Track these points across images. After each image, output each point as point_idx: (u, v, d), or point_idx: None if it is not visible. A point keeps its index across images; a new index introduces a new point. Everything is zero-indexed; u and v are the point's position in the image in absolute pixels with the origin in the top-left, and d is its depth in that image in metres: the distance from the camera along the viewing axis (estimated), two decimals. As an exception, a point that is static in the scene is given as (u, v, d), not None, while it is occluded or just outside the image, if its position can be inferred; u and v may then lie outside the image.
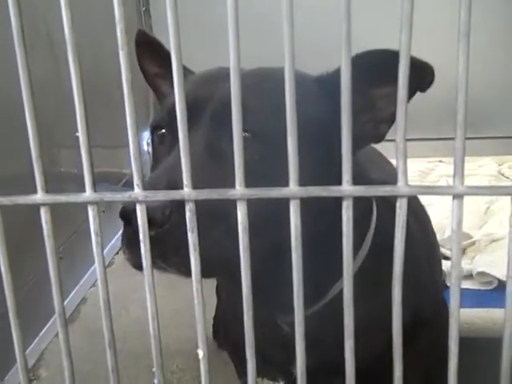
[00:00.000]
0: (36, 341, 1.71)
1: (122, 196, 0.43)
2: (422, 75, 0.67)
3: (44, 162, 0.43)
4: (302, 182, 0.40)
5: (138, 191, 0.42)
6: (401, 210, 0.40)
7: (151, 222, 0.62)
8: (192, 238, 0.42)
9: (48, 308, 1.69)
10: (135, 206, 0.62)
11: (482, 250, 1.45)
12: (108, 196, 0.43)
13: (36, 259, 1.38)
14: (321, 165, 0.74)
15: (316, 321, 0.79)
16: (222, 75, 0.79)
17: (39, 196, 0.43)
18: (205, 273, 0.43)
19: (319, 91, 0.77)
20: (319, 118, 0.75)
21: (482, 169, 1.87)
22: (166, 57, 0.91)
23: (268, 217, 0.66)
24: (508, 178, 1.84)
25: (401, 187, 0.39)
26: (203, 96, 0.77)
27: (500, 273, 1.34)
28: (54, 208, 0.44)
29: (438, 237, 1.23)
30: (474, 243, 1.50)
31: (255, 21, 2.10)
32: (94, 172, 0.43)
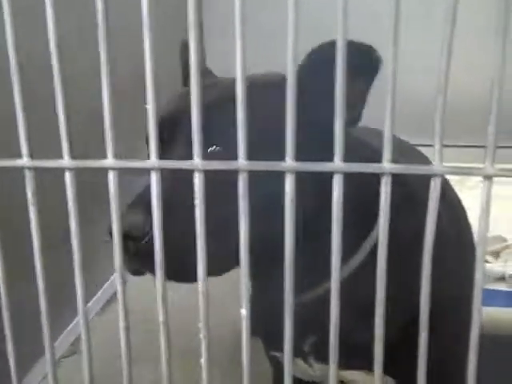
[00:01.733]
0: (76, 320, 1.80)
1: (141, 164, 0.43)
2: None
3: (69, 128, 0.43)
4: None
5: (154, 160, 0.43)
6: (435, 189, 0.40)
7: (132, 237, 0.71)
8: (199, 209, 0.41)
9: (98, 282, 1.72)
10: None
11: (516, 254, 1.43)
12: (128, 164, 0.43)
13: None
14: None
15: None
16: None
17: (66, 161, 0.43)
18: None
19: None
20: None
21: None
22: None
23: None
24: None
25: (437, 166, 0.39)
26: (180, 110, 0.80)
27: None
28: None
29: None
30: (508, 246, 1.47)
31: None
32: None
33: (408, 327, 0.59)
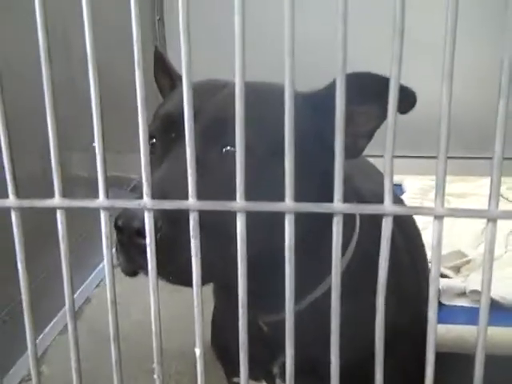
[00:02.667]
0: (40, 337, 1.76)
1: (133, 203, 0.46)
2: (403, 99, 0.73)
3: (61, 167, 0.46)
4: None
5: (147, 199, 0.45)
6: (386, 227, 0.43)
7: (143, 233, 0.65)
8: (194, 245, 0.46)
9: (52, 306, 1.74)
10: (132, 214, 0.67)
11: (476, 269, 1.47)
12: (119, 203, 0.47)
13: (42, 258, 1.41)
14: (305, 178, 0.76)
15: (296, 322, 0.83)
16: (212, 87, 0.84)
17: (56, 200, 0.46)
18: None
19: (305, 107, 0.81)
20: (305, 133, 0.78)
21: (481, 189, 1.90)
22: (175, 72, 0.97)
23: (260, 226, 0.70)
24: (507, 198, 1.87)
25: (387, 206, 0.43)
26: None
27: (493, 292, 1.35)
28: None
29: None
30: (468, 262, 1.51)
31: (263, 38, 2.15)
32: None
33: (365, 354, 0.64)
